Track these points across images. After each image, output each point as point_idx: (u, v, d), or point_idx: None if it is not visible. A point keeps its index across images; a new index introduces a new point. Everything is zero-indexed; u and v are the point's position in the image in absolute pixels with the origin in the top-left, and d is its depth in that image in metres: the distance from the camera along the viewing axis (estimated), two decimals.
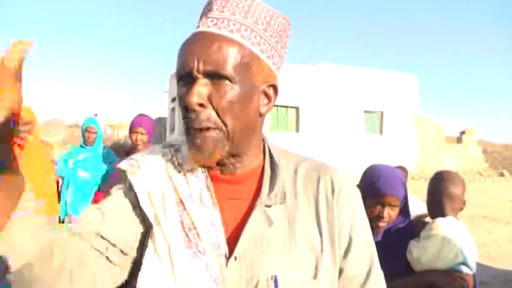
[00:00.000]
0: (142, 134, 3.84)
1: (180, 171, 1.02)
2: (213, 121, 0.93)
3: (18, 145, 3.84)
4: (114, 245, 0.97)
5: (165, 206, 0.97)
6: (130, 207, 1.02)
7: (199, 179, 1.02)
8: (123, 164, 1.05)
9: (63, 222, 4.20)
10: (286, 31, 1.04)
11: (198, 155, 0.96)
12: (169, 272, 0.94)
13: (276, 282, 0.95)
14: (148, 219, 0.99)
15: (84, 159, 4.36)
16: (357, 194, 1.11)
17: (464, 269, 2.07)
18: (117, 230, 0.98)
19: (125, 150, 4.52)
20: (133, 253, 1.00)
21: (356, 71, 21.57)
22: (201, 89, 0.92)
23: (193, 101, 0.91)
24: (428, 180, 2.42)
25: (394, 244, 2.09)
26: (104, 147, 4.55)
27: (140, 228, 1.01)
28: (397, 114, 22.05)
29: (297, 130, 20.15)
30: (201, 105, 0.92)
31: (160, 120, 26.81)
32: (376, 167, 2.24)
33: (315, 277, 0.98)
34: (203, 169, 1.03)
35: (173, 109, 24.98)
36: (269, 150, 1.08)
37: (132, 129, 3.89)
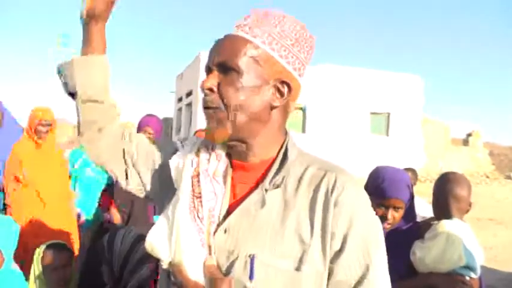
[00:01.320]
0: (150, 133, 3.85)
1: (208, 152, 1.17)
2: (216, 102, 1.08)
3: (37, 142, 3.90)
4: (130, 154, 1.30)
5: (183, 176, 1.13)
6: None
7: (219, 160, 1.16)
8: (178, 143, 1.26)
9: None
10: (303, 36, 1.14)
11: (207, 132, 1.12)
12: (169, 230, 1.09)
13: (252, 260, 1.02)
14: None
15: None
16: (363, 198, 1.11)
17: (468, 272, 2.05)
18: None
19: None
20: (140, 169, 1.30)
21: (362, 72, 21.50)
22: (213, 77, 1.09)
23: (205, 85, 1.09)
24: (433, 182, 2.42)
25: (399, 246, 2.09)
26: None
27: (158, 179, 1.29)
28: (403, 115, 21.95)
29: (303, 131, 20.12)
30: (210, 89, 1.09)
31: (167, 121, 26.85)
32: (381, 169, 2.24)
33: (297, 269, 1.01)
34: (226, 156, 1.17)
35: (180, 109, 24.99)
36: (286, 147, 1.15)
37: (139, 129, 3.90)
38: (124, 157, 1.29)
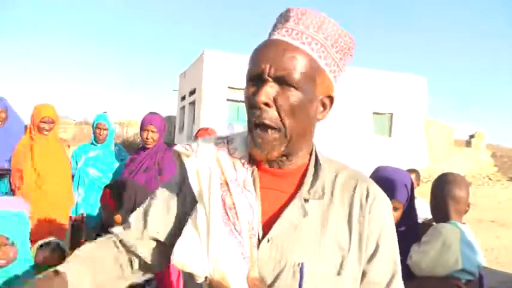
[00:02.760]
0: (153, 132, 3.83)
1: (229, 158, 1.13)
2: (274, 120, 1.04)
3: (34, 139, 3.91)
4: (156, 239, 1.19)
5: (211, 185, 1.08)
6: (174, 199, 1.20)
7: (246, 167, 1.12)
8: (179, 147, 1.16)
9: (75, 220, 4.22)
10: (350, 49, 1.14)
11: (257, 151, 1.07)
12: (204, 245, 1.05)
13: (301, 269, 1.03)
14: (192, 199, 1.12)
15: (96, 157, 4.34)
16: (389, 206, 1.17)
17: (465, 276, 2.03)
18: (160, 227, 1.19)
19: (134, 148, 4.52)
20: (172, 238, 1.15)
21: (366, 72, 21.47)
22: (269, 90, 1.02)
23: (261, 100, 1.02)
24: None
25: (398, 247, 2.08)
26: (116, 144, 4.52)
27: (180, 214, 1.18)
28: (406, 116, 21.93)
29: None
30: (266, 104, 1.03)
31: (169, 119, 26.86)
32: (381, 169, 2.26)
33: (338, 274, 1.05)
34: (251, 161, 1.13)
35: (183, 108, 25.01)
36: (316, 153, 1.17)
37: (143, 127, 3.88)
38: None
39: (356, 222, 1.09)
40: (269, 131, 1.04)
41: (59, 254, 2.68)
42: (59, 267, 1.08)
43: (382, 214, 1.13)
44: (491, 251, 7.59)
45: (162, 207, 1.20)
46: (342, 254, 1.06)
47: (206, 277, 1.04)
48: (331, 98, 1.13)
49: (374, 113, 21.59)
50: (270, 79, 1.02)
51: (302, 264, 1.03)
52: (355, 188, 1.13)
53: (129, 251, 1.19)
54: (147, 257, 1.20)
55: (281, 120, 1.04)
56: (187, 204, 1.16)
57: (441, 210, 2.20)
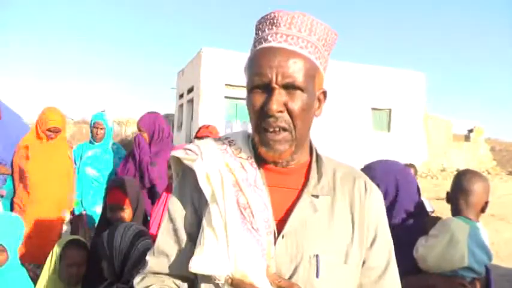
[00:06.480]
0: (140, 131, 4.04)
1: (235, 159, 1.18)
2: (288, 123, 1.11)
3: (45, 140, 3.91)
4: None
5: (224, 186, 1.13)
6: (190, 206, 1.21)
7: (254, 167, 1.18)
8: (179, 153, 1.22)
9: (73, 218, 4.21)
10: (334, 44, 1.22)
11: (270, 153, 1.13)
12: (223, 246, 1.09)
13: (317, 260, 1.11)
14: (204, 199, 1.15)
15: (94, 156, 4.34)
16: (382, 199, 1.28)
17: (471, 274, 2.01)
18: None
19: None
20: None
21: (364, 68, 21.47)
22: (280, 97, 1.09)
23: (275, 108, 1.08)
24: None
25: (403, 241, 2.07)
26: (114, 143, 4.53)
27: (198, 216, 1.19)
28: (405, 111, 21.95)
29: None
30: (280, 111, 1.09)
31: (168, 117, 26.83)
32: (375, 161, 2.32)
33: (345, 262, 1.15)
34: (254, 160, 1.19)
35: (181, 106, 24.98)
36: (315, 149, 1.26)
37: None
38: None
39: (357, 213, 1.19)
40: (281, 132, 1.11)
41: (85, 253, 2.70)
42: None
43: (378, 206, 1.25)
44: (491, 245, 7.49)
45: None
46: (346, 243, 1.15)
47: (228, 277, 1.08)
48: (324, 93, 1.21)
49: (373, 109, 21.60)
50: (277, 87, 1.09)
51: (317, 255, 1.11)
52: (354, 182, 1.23)
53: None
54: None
55: (293, 123, 1.11)
56: (200, 209, 1.19)
57: (454, 205, 2.21)
